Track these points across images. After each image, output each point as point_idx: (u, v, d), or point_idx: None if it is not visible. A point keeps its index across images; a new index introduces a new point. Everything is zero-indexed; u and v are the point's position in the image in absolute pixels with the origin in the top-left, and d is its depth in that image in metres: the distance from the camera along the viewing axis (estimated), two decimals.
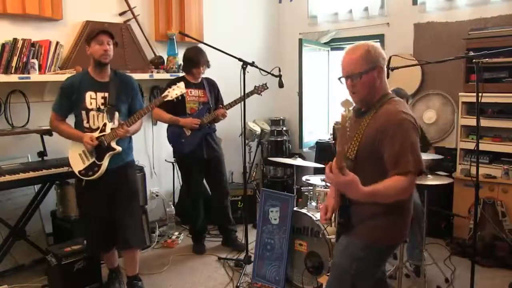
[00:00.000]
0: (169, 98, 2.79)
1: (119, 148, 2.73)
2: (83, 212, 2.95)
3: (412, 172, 1.69)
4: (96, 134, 2.70)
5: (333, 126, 4.93)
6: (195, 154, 3.62)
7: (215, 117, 3.64)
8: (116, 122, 2.75)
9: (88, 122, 2.73)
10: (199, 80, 3.68)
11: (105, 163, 2.71)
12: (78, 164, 2.75)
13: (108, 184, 2.76)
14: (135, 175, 3.05)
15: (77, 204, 3.02)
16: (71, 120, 2.84)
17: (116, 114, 2.75)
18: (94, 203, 2.79)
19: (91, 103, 2.71)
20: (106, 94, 2.73)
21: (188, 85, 3.62)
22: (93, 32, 2.69)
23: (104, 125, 2.71)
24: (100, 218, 2.80)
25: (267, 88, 3.78)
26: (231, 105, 3.66)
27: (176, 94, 2.80)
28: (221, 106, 3.71)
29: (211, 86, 3.75)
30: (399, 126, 1.72)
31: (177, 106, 3.55)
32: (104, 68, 2.75)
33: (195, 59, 3.58)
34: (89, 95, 2.71)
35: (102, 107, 2.73)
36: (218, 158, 3.78)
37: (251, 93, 3.67)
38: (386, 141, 1.72)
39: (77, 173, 2.75)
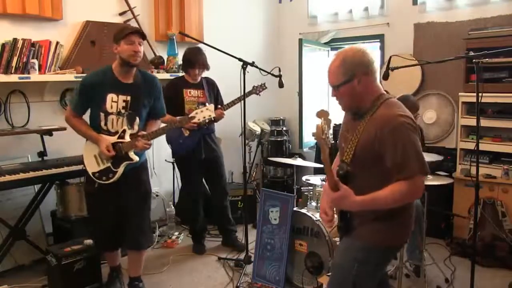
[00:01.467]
0: (195, 120, 2.69)
1: (136, 158, 2.65)
2: (91, 211, 2.91)
3: (417, 175, 1.67)
4: (114, 139, 2.63)
5: (333, 127, 4.94)
6: (194, 154, 3.62)
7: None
8: (136, 128, 2.69)
9: (106, 124, 2.65)
10: (198, 80, 3.68)
11: (120, 170, 2.64)
12: (93, 166, 2.69)
13: (120, 186, 2.72)
14: (148, 176, 2.96)
15: (86, 202, 2.96)
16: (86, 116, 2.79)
17: (137, 119, 2.68)
18: (104, 204, 2.75)
19: (111, 106, 2.61)
20: (128, 98, 2.63)
21: (187, 85, 3.63)
22: (123, 30, 2.59)
23: (124, 131, 2.63)
24: (109, 219, 2.78)
25: (266, 88, 3.76)
26: (229, 105, 3.65)
27: (204, 118, 2.68)
28: (219, 106, 3.71)
29: (211, 86, 3.75)
30: (399, 131, 1.69)
31: (175, 107, 3.56)
32: (131, 69, 2.65)
33: (191, 59, 3.58)
34: (110, 97, 2.61)
35: (122, 111, 2.64)
36: (217, 158, 3.77)
37: (250, 93, 3.65)
38: (387, 148, 1.70)
39: (90, 175, 2.69)
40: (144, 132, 2.67)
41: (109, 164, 2.65)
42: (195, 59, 3.57)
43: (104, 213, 2.77)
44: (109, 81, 2.62)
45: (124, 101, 2.63)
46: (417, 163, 1.67)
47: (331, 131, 1.61)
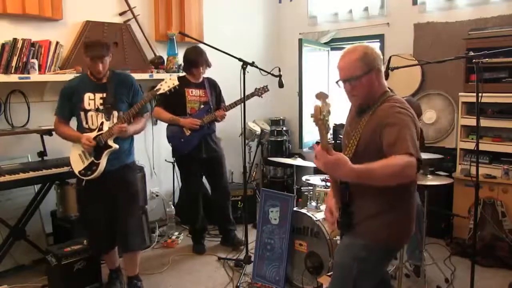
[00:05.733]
0: (161, 91, 2.73)
1: (115, 146, 2.72)
2: (82, 214, 2.95)
3: (411, 154, 1.63)
4: (94, 134, 2.71)
5: (333, 127, 4.94)
6: (194, 154, 3.63)
7: (214, 118, 3.64)
8: (115, 121, 2.75)
9: (87, 123, 2.75)
10: (200, 80, 3.68)
11: (103, 161, 2.71)
12: (78, 165, 2.76)
13: (108, 186, 2.76)
14: (135, 176, 3.05)
15: (77, 205, 3.01)
16: (73, 124, 2.86)
17: (115, 113, 2.75)
18: (94, 206, 2.80)
19: (89, 104, 2.73)
20: (104, 94, 2.74)
21: (189, 85, 3.63)
22: (87, 50, 2.67)
23: (101, 124, 2.72)
24: (99, 220, 2.81)
25: (268, 90, 3.75)
26: (231, 106, 3.65)
27: (169, 87, 2.73)
28: (222, 107, 3.71)
29: (212, 86, 3.75)
30: (396, 117, 1.72)
31: (177, 106, 3.56)
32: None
33: (194, 59, 3.58)
34: (87, 96, 2.73)
35: (100, 107, 2.74)
36: (217, 158, 3.78)
37: (252, 95, 3.66)
38: (384, 131, 1.72)
39: (77, 174, 2.75)
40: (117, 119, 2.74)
41: (92, 158, 2.73)
42: (198, 58, 3.57)
43: (95, 215, 2.81)
44: (85, 83, 2.77)
45: (101, 98, 2.75)
46: (410, 143, 1.65)
47: (330, 116, 1.58)
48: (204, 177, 3.91)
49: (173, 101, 3.54)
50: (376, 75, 1.82)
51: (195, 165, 3.70)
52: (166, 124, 3.71)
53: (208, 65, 3.67)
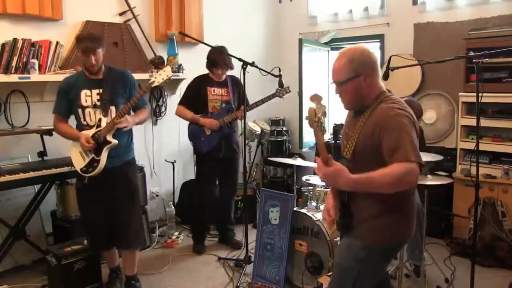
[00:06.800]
0: (156, 83, 2.72)
1: (114, 141, 2.72)
2: (82, 211, 2.95)
3: (411, 159, 1.62)
4: (93, 131, 2.72)
5: (333, 127, 4.94)
6: (213, 153, 3.65)
7: (235, 117, 3.64)
8: (114, 116, 2.75)
9: (85, 119, 2.77)
10: (223, 78, 3.68)
11: (103, 158, 2.71)
12: (79, 162, 2.77)
13: (108, 184, 2.77)
14: (136, 173, 3.06)
15: (77, 202, 3.00)
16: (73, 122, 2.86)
17: (112, 108, 2.75)
18: (93, 205, 2.81)
19: (86, 101, 2.74)
20: (101, 90, 2.75)
21: (211, 83, 3.65)
22: (79, 43, 2.70)
23: (99, 120, 2.73)
24: (98, 221, 2.82)
25: (290, 91, 3.72)
26: (252, 107, 3.65)
27: (163, 79, 2.71)
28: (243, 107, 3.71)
29: (235, 85, 3.74)
30: (396, 120, 1.70)
31: (199, 105, 3.58)
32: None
33: (214, 59, 3.58)
34: (84, 93, 2.74)
35: (98, 103, 2.75)
36: (235, 159, 3.80)
37: (273, 96, 3.65)
38: (384, 136, 1.70)
39: (79, 171, 2.76)
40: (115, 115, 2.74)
41: (92, 155, 2.74)
42: (218, 58, 3.56)
43: (94, 212, 2.82)
44: (82, 80, 2.78)
45: (97, 94, 2.75)
46: (410, 148, 1.65)
47: (326, 119, 1.58)
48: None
49: (195, 100, 3.55)
50: (365, 80, 1.80)
51: (213, 164, 3.71)
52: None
53: (229, 67, 3.65)
